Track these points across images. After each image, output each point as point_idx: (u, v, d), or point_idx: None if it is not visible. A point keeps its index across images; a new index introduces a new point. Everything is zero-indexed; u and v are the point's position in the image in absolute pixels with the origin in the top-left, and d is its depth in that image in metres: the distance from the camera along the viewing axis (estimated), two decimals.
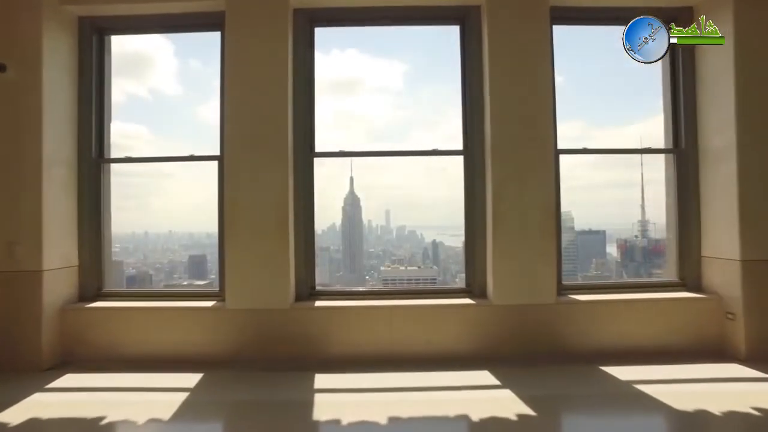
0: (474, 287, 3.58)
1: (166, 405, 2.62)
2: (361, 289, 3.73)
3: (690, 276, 3.61)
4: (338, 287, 3.84)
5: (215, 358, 3.30)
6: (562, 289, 3.55)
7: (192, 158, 3.69)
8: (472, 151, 3.60)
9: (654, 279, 3.88)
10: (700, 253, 3.59)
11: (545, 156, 3.43)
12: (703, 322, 3.37)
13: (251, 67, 3.40)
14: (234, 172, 3.39)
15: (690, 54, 3.61)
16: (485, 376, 3.02)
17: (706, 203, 3.56)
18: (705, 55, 3.52)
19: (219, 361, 3.28)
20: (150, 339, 3.38)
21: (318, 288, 3.65)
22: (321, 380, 3.01)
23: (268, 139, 3.39)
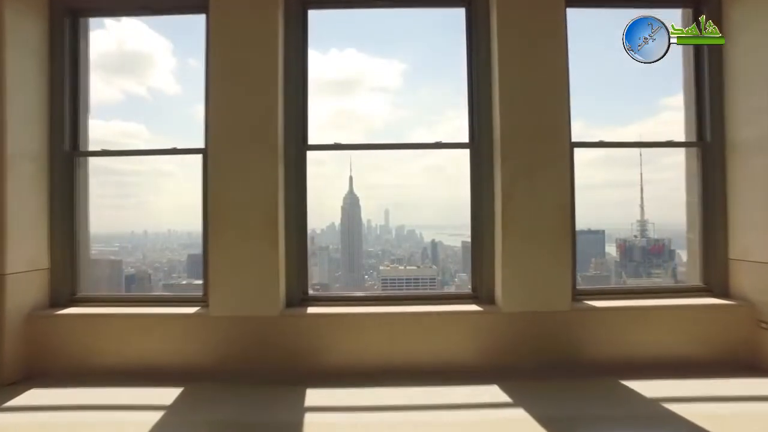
0: (481, 292, 3.28)
1: (137, 426, 2.33)
2: (358, 294, 3.43)
3: (716, 280, 3.31)
4: (333, 293, 3.56)
5: (197, 370, 3.01)
6: (577, 294, 3.25)
7: (174, 151, 3.39)
8: (478, 143, 3.30)
9: (677, 284, 3.59)
10: (727, 256, 3.30)
11: (559, 149, 3.14)
12: (733, 331, 3.08)
13: (238, 52, 3.11)
14: (219, 166, 3.10)
15: None
16: (494, 392, 2.73)
17: (734, 200, 3.26)
18: (735, 36, 3.22)
19: (201, 373, 2.99)
20: (126, 349, 3.08)
21: (311, 293, 3.36)
22: (313, 396, 2.72)
23: (257, 130, 3.10)
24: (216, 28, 3.13)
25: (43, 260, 3.22)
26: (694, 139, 3.44)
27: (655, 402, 2.54)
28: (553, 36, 3.14)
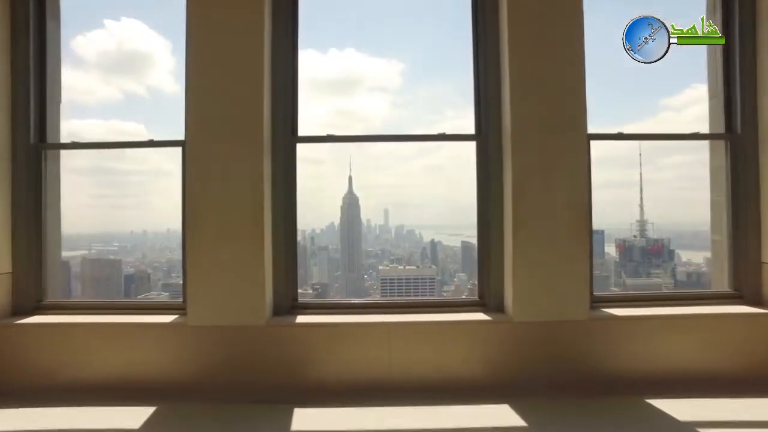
0: (489, 299, 2.97)
1: None
2: (354, 300, 3.13)
3: (748, 286, 3.01)
4: (326, 300, 3.29)
5: (173, 385, 2.71)
6: (594, 302, 2.95)
7: (151, 144, 3.11)
8: (486, 136, 3.00)
9: (704, 290, 3.28)
10: (761, 259, 2.99)
11: (576, 142, 2.84)
12: None
13: (220, 34, 2.81)
14: (199, 160, 2.80)
15: (749, 16, 3.00)
16: (505, 413, 2.44)
17: None
18: None
19: (177, 390, 2.69)
20: (96, 362, 2.78)
21: (302, 300, 3.05)
22: (301, 417, 2.43)
23: (240, 120, 2.80)
24: (195, 8, 2.82)
25: (5, 263, 2.92)
26: (722, 130, 3.14)
27: (690, 426, 2.24)
28: (568, 17, 2.85)
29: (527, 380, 2.73)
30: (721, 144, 3.17)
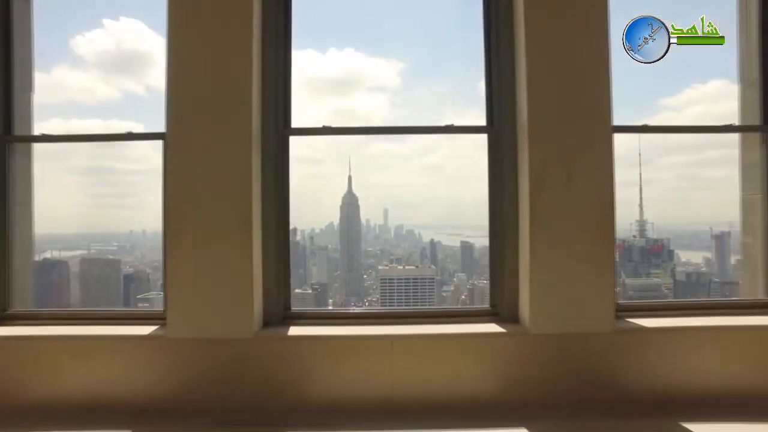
0: (502, 309, 2.70)
1: None
2: (353, 310, 2.87)
3: None
4: (322, 309, 3.04)
5: (151, 406, 2.44)
6: (619, 311, 2.67)
7: (130, 136, 2.83)
8: (499, 127, 2.73)
9: (737, 298, 3.01)
10: None
11: (600, 134, 2.57)
12: None
13: (205, 15, 2.54)
14: (181, 154, 2.53)
15: None
16: None
17: None
18: None
19: (156, 410, 2.43)
20: (65, 379, 2.51)
21: (295, 309, 2.77)
22: None
23: (227, 110, 2.53)
24: None
25: None
26: (758, 121, 2.87)
27: None
28: None
29: (546, 400, 2.46)
30: (755, 137, 2.90)
